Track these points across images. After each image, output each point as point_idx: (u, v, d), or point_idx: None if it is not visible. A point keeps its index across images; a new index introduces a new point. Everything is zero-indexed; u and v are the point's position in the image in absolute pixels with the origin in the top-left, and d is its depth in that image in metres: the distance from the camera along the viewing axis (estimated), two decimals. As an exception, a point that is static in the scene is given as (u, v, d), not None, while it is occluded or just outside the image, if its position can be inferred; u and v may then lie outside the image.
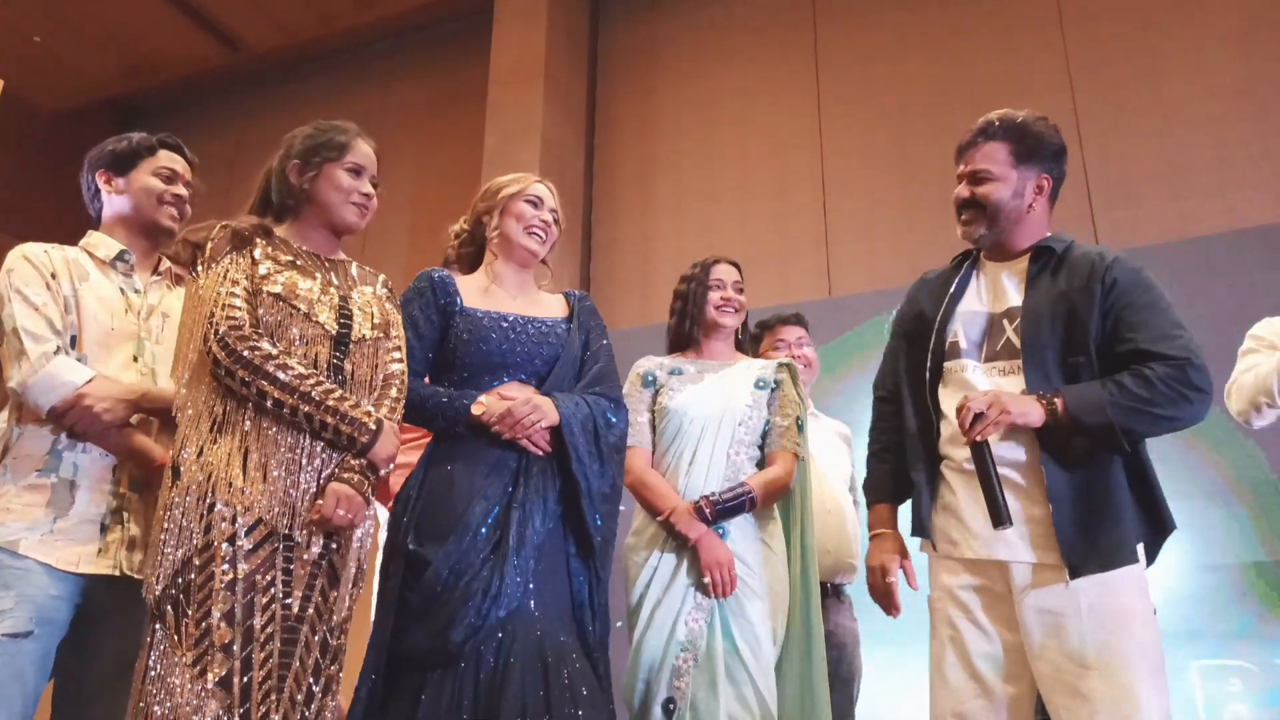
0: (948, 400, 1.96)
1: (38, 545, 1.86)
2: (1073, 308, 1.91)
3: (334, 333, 1.90)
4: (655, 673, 2.24)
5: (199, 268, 1.89)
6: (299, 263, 1.96)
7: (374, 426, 1.84)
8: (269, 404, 1.77)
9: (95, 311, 2.01)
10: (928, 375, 1.98)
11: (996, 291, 2.04)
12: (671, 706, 2.21)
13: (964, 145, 2.11)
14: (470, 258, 2.31)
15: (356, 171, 2.03)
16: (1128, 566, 1.80)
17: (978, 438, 1.80)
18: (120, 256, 2.11)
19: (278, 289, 1.87)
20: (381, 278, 2.12)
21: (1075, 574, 1.77)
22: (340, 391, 1.84)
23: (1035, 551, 1.83)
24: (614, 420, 2.10)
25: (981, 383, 1.95)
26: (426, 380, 2.13)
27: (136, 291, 2.10)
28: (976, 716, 1.82)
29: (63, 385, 1.88)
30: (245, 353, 1.77)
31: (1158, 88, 5.17)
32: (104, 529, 1.93)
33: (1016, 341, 1.92)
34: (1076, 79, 5.37)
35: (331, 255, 2.06)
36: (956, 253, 2.21)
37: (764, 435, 2.49)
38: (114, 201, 2.16)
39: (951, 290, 2.06)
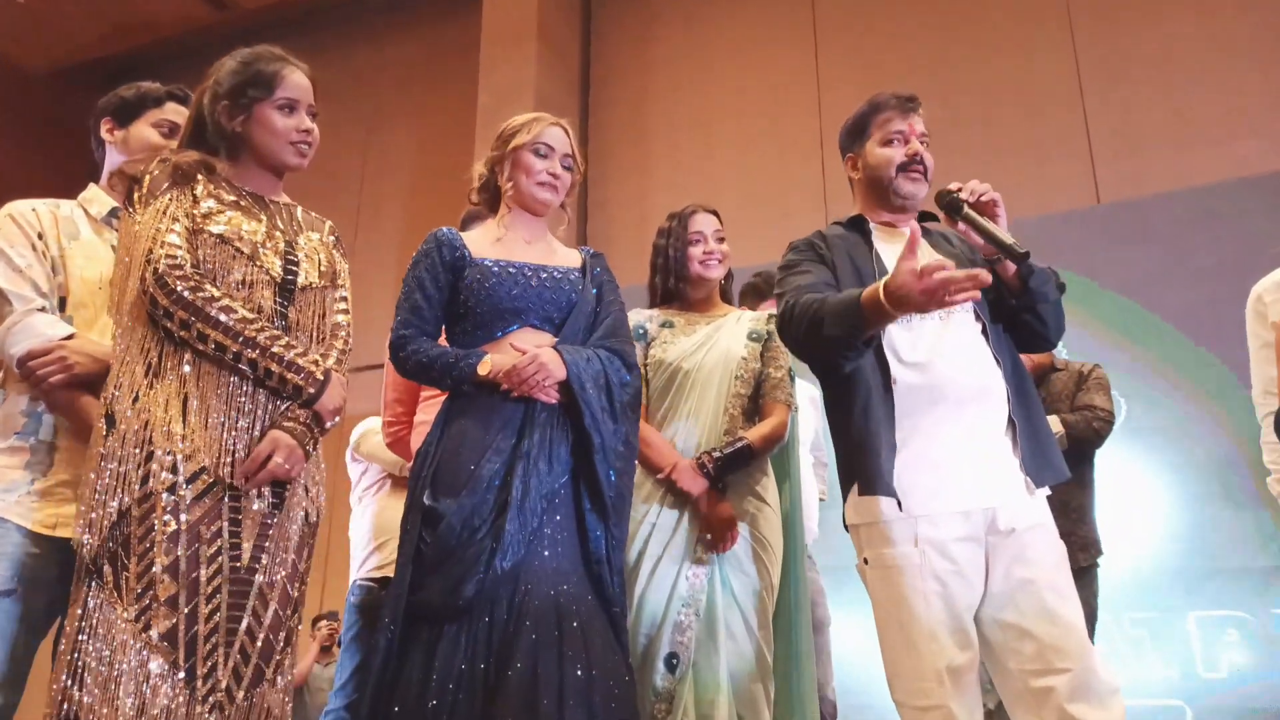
0: (911, 349, 1.97)
1: (14, 507, 1.82)
2: (976, 263, 2.07)
3: (279, 279, 1.84)
4: (657, 628, 2.24)
5: (134, 202, 1.80)
6: (242, 203, 1.88)
7: (321, 377, 1.79)
8: (210, 348, 1.70)
9: (82, 270, 1.96)
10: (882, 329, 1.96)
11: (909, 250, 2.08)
12: (674, 661, 2.22)
13: (895, 106, 2.12)
14: (489, 203, 2.28)
15: (290, 107, 1.91)
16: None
17: (984, 198, 1.92)
18: (114, 213, 2.05)
19: (221, 229, 1.80)
20: (328, 224, 2.04)
21: (1037, 485, 1.91)
22: (287, 339, 1.79)
23: (1018, 491, 1.91)
24: (628, 378, 2.08)
25: (941, 329, 1.97)
26: (442, 339, 2.11)
27: None
28: (966, 669, 1.83)
29: (38, 336, 1.84)
30: (186, 293, 1.70)
31: (1161, 36, 5.09)
32: None
33: None
34: (1078, 28, 5.29)
35: (275, 197, 1.97)
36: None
37: (757, 387, 2.47)
38: (113, 152, 2.11)
39: (875, 249, 2.07)
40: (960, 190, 1.94)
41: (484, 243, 2.13)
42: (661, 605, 2.26)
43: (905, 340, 1.97)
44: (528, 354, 1.96)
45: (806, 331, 1.91)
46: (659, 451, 2.35)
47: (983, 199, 1.92)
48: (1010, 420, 1.93)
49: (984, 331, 1.98)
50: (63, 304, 1.94)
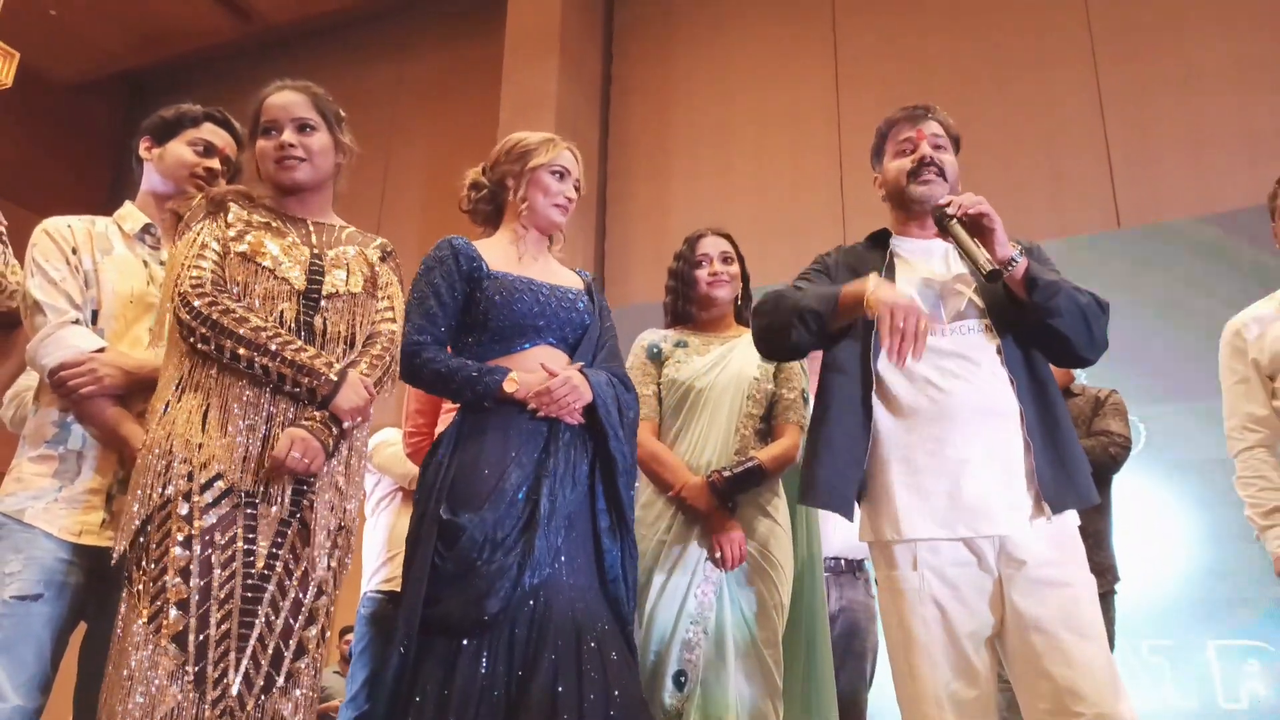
0: (908, 366, 1.93)
1: (41, 514, 1.87)
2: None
3: (301, 288, 1.88)
4: (665, 645, 2.24)
5: (178, 235, 1.91)
6: (273, 225, 1.96)
7: (335, 377, 1.81)
8: (227, 359, 1.77)
9: (114, 284, 2.01)
10: (873, 341, 1.95)
11: (931, 261, 2.07)
12: (683, 679, 2.21)
13: (904, 119, 2.14)
14: (489, 216, 2.28)
15: (269, 129, 1.99)
16: (1075, 525, 1.91)
17: (970, 211, 1.88)
18: (146, 229, 2.11)
19: (244, 248, 1.88)
20: (379, 241, 2.09)
21: (1056, 509, 1.85)
22: (299, 343, 1.82)
23: (1027, 517, 1.86)
24: (631, 400, 2.11)
25: (946, 345, 1.95)
26: (448, 348, 2.12)
27: (161, 264, 2.10)
28: (963, 694, 1.82)
29: (69, 348, 1.89)
30: (203, 309, 1.77)
31: (1183, 58, 5.07)
32: (110, 499, 1.92)
33: (980, 302, 1.98)
34: (1099, 50, 5.28)
35: (319, 218, 2.04)
36: None
37: (769, 408, 2.48)
38: (149, 169, 2.18)
39: (887, 261, 2.07)
40: (949, 205, 1.92)
41: (496, 255, 2.14)
42: (670, 622, 2.25)
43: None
44: (560, 376, 1.97)
45: (774, 303, 1.99)
46: (670, 469, 2.35)
47: (970, 212, 1.89)
48: (1026, 441, 1.88)
49: (998, 347, 1.94)
50: (95, 317, 1.99)
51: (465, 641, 1.81)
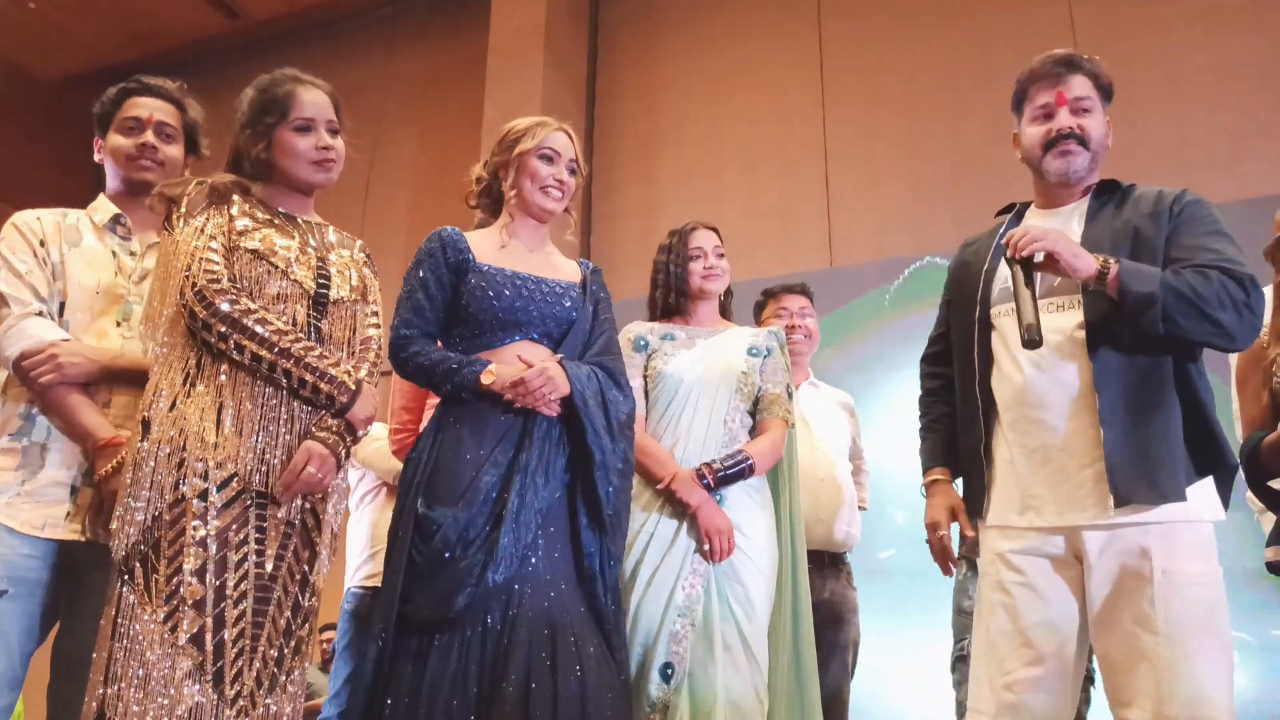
0: (1001, 348, 1.89)
1: (3, 509, 1.85)
2: (1137, 234, 1.85)
3: (312, 292, 1.87)
4: (653, 637, 2.24)
5: (174, 222, 1.85)
6: (276, 222, 1.92)
7: (354, 387, 1.81)
8: (246, 359, 1.73)
9: (81, 276, 1.99)
10: (976, 324, 1.90)
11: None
12: (670, 671, 2.21)
13: (1044, 76, 1.99)
14: (489, 207, 2.27)
15: (306, 127, 1.93)
16: (1190, 523, 1.76)
17: (1023, 252, 1.75)
18: (116, 220, 2.08)
19: (255, 245, 1.84)
20: (359, 243, 2.07)
21: (1121, 504, 1.72)
22: (320, 350, 1.81)
23: (1102, 509, 1.76)
24: (622, 396, 2.09)
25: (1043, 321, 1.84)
26: (439, 343, 2.11)
27: (132, 254, 2.07)
28: (1026, 688, 1.76)
29: (30, 338, 1.87)
30: (224, 306, 1.74)
31: (1165, 59, 5.10)
32: (74, 491, 1.90)
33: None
34: (1081, 50, 5.28)
35: (307, 216, 2.01)
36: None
37: (755, 402, 2.49)
38: (106, 167, 2.15)
39: (998, 239, 1.96)
40: (1007, 243, 1.81)
41: (487, 248, 2.12)
42: (658, 615, 2.25)
43: (999, 334, 1.89)
44: (535, 367, 1.97)
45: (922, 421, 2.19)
46: (658, 461, 2.36)
47: (1023, 254, 1.76)
48: (1099, 417, 1.75)
49: (1079, 323, 1.81)
50: (62, 309, 1.97)
51: (435, 637, 1.81)
